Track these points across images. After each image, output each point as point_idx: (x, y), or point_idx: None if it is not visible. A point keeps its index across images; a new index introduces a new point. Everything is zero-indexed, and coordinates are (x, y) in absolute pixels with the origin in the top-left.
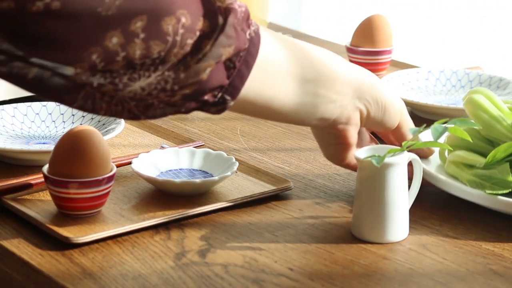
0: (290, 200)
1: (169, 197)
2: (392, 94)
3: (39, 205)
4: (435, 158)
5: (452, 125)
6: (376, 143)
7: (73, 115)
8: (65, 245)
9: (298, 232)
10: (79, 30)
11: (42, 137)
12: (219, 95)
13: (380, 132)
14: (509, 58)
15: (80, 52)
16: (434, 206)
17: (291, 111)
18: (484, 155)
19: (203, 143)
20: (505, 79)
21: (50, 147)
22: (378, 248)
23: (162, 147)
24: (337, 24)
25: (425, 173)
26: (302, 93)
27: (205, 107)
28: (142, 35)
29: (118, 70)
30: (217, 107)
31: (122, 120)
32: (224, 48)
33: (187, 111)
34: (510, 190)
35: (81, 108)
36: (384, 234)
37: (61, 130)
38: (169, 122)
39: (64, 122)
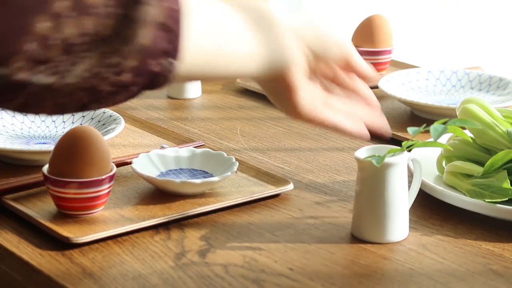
0: (290, 200)
1: (169, 197)
2: (331, 28)
3: (39, 205)
4: (433, 170)
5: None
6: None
7: (73, 115)
8: (65, 245)
9: (298, 232)
10: (6, 21)
11: (42, 137)
12: (164, 61)
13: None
14: (509, 58)
15: (12, 44)
16: (434, 206)
17: (239, 65)
18: (481, 164)
19: (203, 143)
20: (505, 79)
21: (50, 147)
22: (378, 248)
23: (162, 147)
24: (337, 24)
25: (423, 184)
26: (246, 43)
27: (155, 81)
28: (70, 14)
29: (56, 57)
30: (166, 75)
31: (122, 120)
32: (154, 10)
33: (139, 91)
34: (509, 197)
35: (23, 108)
36: (384, 234)
37: (61, 130)
38: (169, 122)
39: (64, 122)
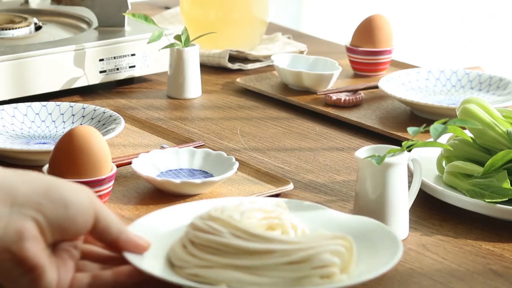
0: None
1: (169, 197)
2: (75, 187)
3: None
4: (433, 170)
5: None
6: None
7: (73, 115)
8: None
9: None
10: None
11: (42, 137)
12: None
13: (90, 244)
14: (509, 58)
15: None
16: (434, 206)
17: None
18: (481, 164)
19: (203, 143)
20: (505, 79)
21: (50, 147)
22: None
23: (162, 147)
24: (337, 24)
25: (423, 184)
26: None
27: None
28: None
29: None
30: None
31: (122, 120)
32: None
33: None
34: (509, 197)
35: None
36: None
37: (61, 130)
38: (169, 122)
39: (64, 122)
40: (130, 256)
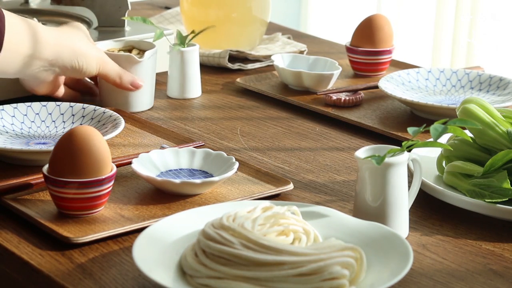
0: (290, 200)
1: (169, 197)
2: (87, 45)
3: (39, 205)
4: (433, 170)
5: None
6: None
7: (73, 115)
8: (65, 245)
9: None
10: None
11: (42, 137)
12: None
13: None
14: (509, 58)
15: None
16: (434, 206)
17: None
18: (481, 164)
19: (203, 143)
20: (505, 79)
21: (50, 147)
22: None
23: (162, 147)
24: (337, 24)
25: (423, 184)
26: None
27: None
28: None
29: None
30: None
31: (122, 120)
32: None
33: None
34: (509, 197)
35: None
36: None
37: (61, 130)
38: (169, 122)
39: (64, 122)
40: (141, 265)
